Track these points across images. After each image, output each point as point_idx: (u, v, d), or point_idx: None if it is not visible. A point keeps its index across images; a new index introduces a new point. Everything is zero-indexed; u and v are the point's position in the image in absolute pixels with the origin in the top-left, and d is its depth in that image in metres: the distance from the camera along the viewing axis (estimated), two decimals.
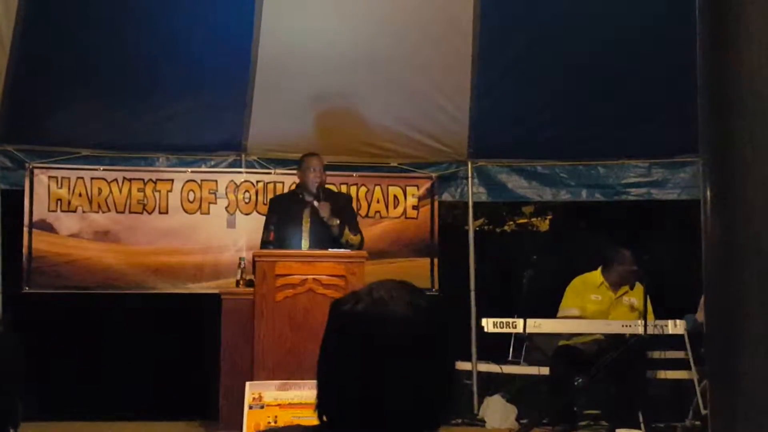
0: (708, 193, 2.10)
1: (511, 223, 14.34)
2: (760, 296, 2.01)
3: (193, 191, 8.45)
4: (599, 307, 7.72)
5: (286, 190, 8.40)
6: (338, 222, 6.85)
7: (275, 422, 5.54)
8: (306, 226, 6.93)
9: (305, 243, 6.89)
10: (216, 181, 8.54)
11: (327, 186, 7.27)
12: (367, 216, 8.67)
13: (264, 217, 7.36)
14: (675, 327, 7.19)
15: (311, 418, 1.84)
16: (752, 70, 2.03)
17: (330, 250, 6.58)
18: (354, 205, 8.47)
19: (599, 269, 7.91)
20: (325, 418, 1.80)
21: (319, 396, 1.82)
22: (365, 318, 1.79)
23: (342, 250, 6.59)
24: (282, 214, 7.01)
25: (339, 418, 1.79)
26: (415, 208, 8.85)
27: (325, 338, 1.84)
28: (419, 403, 1.76)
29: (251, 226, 8.24)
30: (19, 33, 7.56)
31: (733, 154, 2.05)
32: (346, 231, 6.88)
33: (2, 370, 2.32)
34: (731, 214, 2.06)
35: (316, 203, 6.88)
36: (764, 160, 2.02)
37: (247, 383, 5.81)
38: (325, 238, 6.85)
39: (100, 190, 8.31)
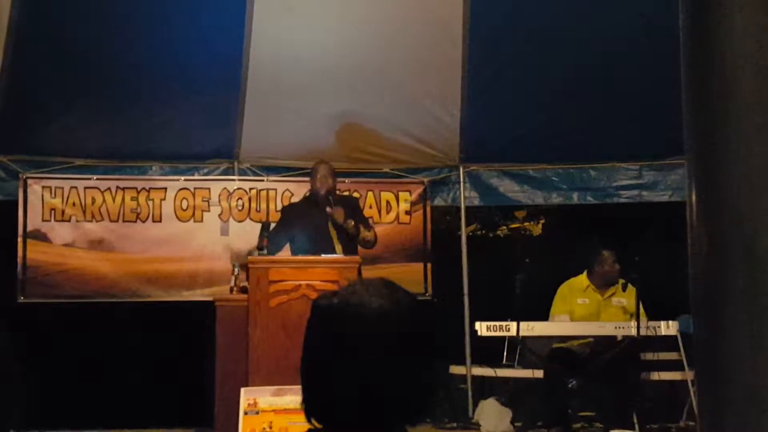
0: (693, 193, 2.13)
1: (504, 227, 14.35)
2: (745, 295, 2.04)
3: (186, 199, 8.47)
4: (588, 311, 7.78)
5: (278, 197, 8.49)
6: (353, 223, 7.00)
7: (270, 428, 5.54)
8: (333, 233, 6.99)
9: (338, 248, 6.93)
10: (209, 188, 8.56)
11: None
12: None
13: (259, 224, 7.38)
14: (668, 328, 7.24)
15: (306, 424, 1.83)
16: (735, 67, 2.06)
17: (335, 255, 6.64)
18: None
19: (585, 273, 7.98)
20: (314, 422, 1.80)
21: (304, 396, 1.82)
22: (340, 310, 1.79)
23: (335, 255, 6.62)
24: (302, 224, 7.04)
25: (324, 418, 1.79)
26: (407, 213, 8.87)
27: (306, 336, 1.84)
28: (398, 396, 1.77)
29: (245, 233, 8.26)
30: (11, 44, 7.58)
31: (716, 153, 2.08)
32: (362, 228, 7.05)
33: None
34: (715, 213, 2.08)
35: (329, 209, 6.96)
36: (748, 159, 2.04)
37: (242, 389, 5.81)
38: (347, 240, 7.01)
39: (93, 200, 8.33)
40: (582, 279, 7.98)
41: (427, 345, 1.84)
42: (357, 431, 1.77)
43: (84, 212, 8.31)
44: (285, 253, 6.94)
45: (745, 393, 2.04)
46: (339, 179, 8.58)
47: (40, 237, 8.25)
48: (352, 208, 7.28)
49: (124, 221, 8.38)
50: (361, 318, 1.77)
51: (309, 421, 1.81)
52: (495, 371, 8.52)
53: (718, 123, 2.10)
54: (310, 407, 1.81)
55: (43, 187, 8.28)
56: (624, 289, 7.78)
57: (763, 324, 2.03)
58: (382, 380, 1.75)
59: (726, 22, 2.10)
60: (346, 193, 8.48)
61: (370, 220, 8.67)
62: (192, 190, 8.51)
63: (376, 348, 1.76)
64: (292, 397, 5.66)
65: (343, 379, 1.75)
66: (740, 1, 2.09)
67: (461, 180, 8.94)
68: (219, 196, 8.55)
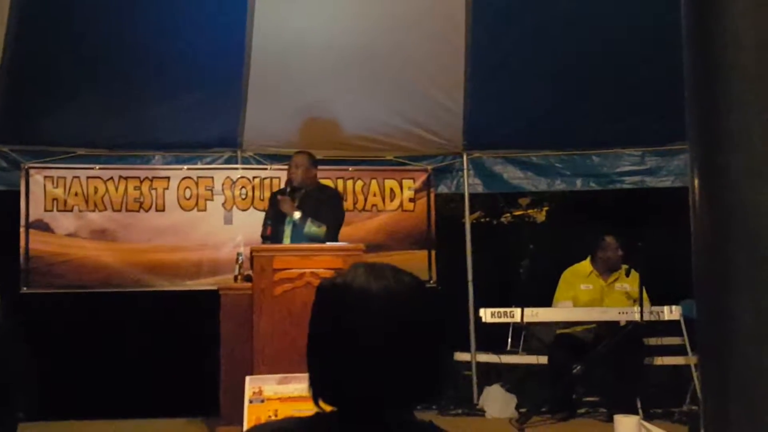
0: (695, 178, 2.12)
1: (508, 214, 14.35)
2: (748, 279, 2.03)
3: (189, 188, 8.48)
4: (591, 296, 7.81)
5: (281, 186, 8.48)
6: (299, 215, 6.89)
7: (276, 416, 5.53)
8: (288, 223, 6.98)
9: (287, 239, 6.91)
10: (212, 177, 8.57)
11: (323, 180, 7.48)
12: (363, 210, 8.72)
13: (263, 212, 7.41)
14: (671, 313, 7.25)
15: (312, 411, 1.82)
16: (736, 50, 2.05)
17: (327, 243, 6.60)
18: (350, 198, 8.54)
19: (588, 259, 8.01)
20: (320, 404, 1.80)
21: (310, 379, 1.82)
22: (343, 291, 1.79)
23: (339, 243, 6.61)
24: (276, 209, 7.05)
25: (330, 401, 1.79)
26: (411, 200, 8.88)
27: (310, 318, 1.84)
28: (403, 379, 1.76)
29: (248, 222, 8.27)
30: (12, 33, 7.57)
31: (717, 138, 2.07)
32: (308, 222, 6.88)
33: (5, 356, 2.32)
34: (718, 198, 2.08)
35: (279, 197, 6.95)
36: (750, 143, 2.04)
37: (247, 378, 5.81)
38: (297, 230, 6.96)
39: (96, 189, 8.34)
40: (585, 265, 8.01)
41: (432, 329, 1.83)
42: (362, 414, 1.77)
43: (86, 202, 8.32)
44: None
45: (748, 377, 2.03)
46: (343, 167, 8.63)
47: (43, 227, 8.26)
48: (324, 198, 7.22)
49: (127, 211, 8.40)
50: (364, 299, 1.77)
51: (316, 403, 1.81)
52: (500, 357, 8.55)
53: (719, 108, 2.09)
54: (316, 390, 1.81)
55: (45, 177, 8.29)
56: (627, 274, 7.81)
57: (767, 308, 2.03)
58: (386, 362, 1.75)
59: (728, 5, 2.08)
60: (337, 181, 8.53)
61: (374, 208, 8.69)
62: (195, 179, 8.53)
63: (379, 330, 1.75)
64: (297, 385, 5.66)
65: (347, 361, 1.75)
66: None
67: (465, 167, 8.96)
68: (222, 184, 8.56)
